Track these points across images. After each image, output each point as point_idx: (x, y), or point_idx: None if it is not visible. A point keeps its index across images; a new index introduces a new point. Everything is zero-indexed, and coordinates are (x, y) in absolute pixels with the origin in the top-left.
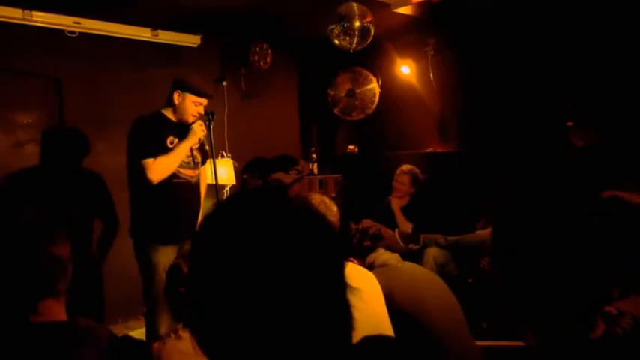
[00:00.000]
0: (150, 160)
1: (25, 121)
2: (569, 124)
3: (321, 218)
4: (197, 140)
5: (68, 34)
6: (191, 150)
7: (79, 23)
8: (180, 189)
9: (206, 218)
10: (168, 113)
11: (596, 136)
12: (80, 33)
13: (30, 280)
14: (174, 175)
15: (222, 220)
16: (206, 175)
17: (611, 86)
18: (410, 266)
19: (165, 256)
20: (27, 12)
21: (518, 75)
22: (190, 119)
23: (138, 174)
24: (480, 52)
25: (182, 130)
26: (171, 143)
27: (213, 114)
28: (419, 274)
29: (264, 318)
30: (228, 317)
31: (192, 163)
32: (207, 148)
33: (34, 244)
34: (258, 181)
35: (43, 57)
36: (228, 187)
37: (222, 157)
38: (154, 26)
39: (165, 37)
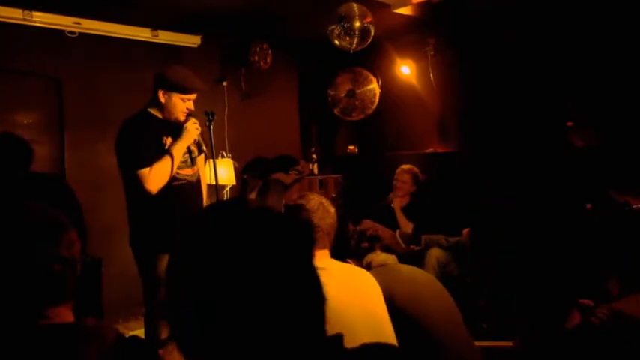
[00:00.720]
0: (145, 171)
1: (25, 121)
2: (569, 124)
3: (281, 218)
4: (192, 140)
5: (68, 35)
6: (188, 147)
7: (79, 23)
8: (181, 191)
9: (180, 233)
10: (156, 112)
11: (596, 136)
12: (80, 33)
13: (42, 289)
14: (173, 178)
15: (192, 236)
16: (205, 174)
17: (611, 86)
18: (408, 267)
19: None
20: (27, 12)
21: (518, 75)
22: (181, 117)
23: (134, 185)
24: (480, 52)
25: (174, 128)
26: (165, 144)
27: (213, 114)
28: (418, 275)
29: (237, 319)
30: (206, 324)
31: (189, 160)
32: (202, 144)
33: (45, 248)
34: (258, 182)
35: (43, 57)
36: (229, 187)
37: (223, 157)
38: (154, 26)
39: (165, 37)
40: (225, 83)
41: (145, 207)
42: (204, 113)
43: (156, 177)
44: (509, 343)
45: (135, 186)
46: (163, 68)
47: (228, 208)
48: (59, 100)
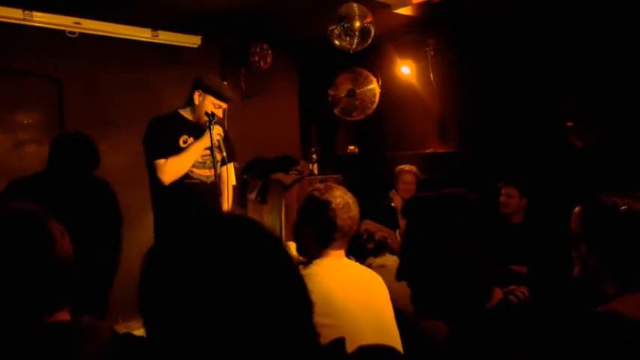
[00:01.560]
0: (162, 161)
1: (25, 121)
2: (569, 124)
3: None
4: (209, 143)
5: (68, 35)
6: (211, 149)
7: (79, 23)
8: (193, 189)
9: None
10: (186, 113)
11: (596, 136)
12: (80, 33)
13: (38, 292)
14: (186, 176)
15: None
16: (230, 176)
17: (611, 86)
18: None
19: None
20: (27, 12)
21: (519, 75)
22: (204, 118)
23: (152, 174)
24: (480, 52)
25: (198, 130)
26: (185, 142)
27: (214, 114)
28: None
29: (216, 329)
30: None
31: (208, 162)
32: (223, 151)
33: (40, 250)
34: (259, 182)
35: (43, 57)
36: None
37: None
38: (154, 26)
39: (166, 37)
40: (225, 83)
41: (161, 200)
42: (204, 114)
43: (170, 168)
44: None
45: (152, 176)
46: (202, 74)
47: (206, 220)
48: (59, 100)
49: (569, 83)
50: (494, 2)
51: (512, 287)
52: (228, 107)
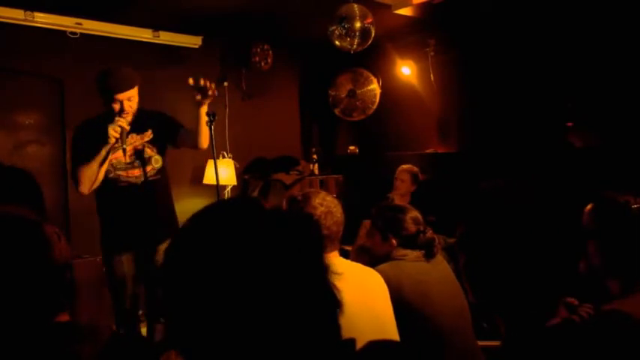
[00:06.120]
0: (75, 170)
1: (26, 122)
2: (569, 124)
3: (293, 218)
4: (112, 141)
5: (70, 35)
6: (143, 147)
7: (80, 24)
8: (125, 192)
9: (188, 221)
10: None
11: (596, 136)
12: (82, 34)
13: (39, 295)
14: (116, 179)
15: (201, 223)
16: (199, 140)
17: (611, 86)
18: (421, 265)
19: (120, 266)
20: (29, 13)
21: (519, 75)
22: (116, 118)
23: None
24: (481, 52)
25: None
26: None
27: (214, 114)
28: (431, 272)
29: (245, 319)
30: (208, 319)
31: (137, 161)
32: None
33: (38, 255)
34: (259, 182)
35: (44, 58)
36: (229, 187)
37: (223, 157)
38: (155, 27)
39: (167, 38)
40: (226, 84)
41: (99, 206)
42: (205, 114)
43: (79, 177)
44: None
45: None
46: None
47: (237, 206)
48: (60, 100)
49: (569, 83)
50: (495, 3)
51: (575, 302)
52: (230, 107)
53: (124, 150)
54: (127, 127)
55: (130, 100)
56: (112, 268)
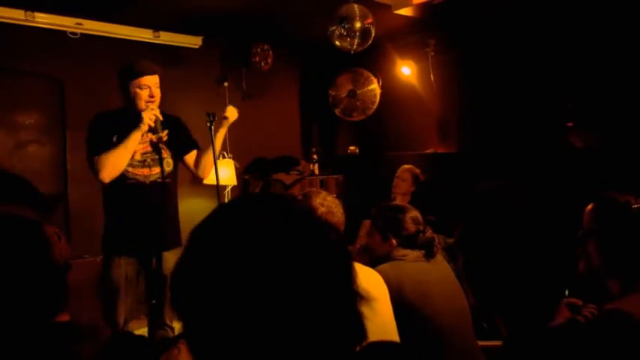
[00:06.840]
0: (96, 157)
1: (26, 122)
2: (570, 124)
3: (325, 224)
4: (146, 127)
5: (70, 35)
6: (152, 144)
7: (81, 24)
8: (133, 190)
9: (206, 220)
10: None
11: (596, 137)
12: (82, 34)
13: (39, 296)
14: (123, 176)
15: (222, 223)
16: (203, 166)
17: (611, 87)
18: (422, 265)
19: (117, 269)
20: (29, 13)
21: (519, 76)
22: (144, 106)
23: (93, 174)
24: (481, 53)
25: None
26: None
27: (214, 115)
28: (431, 272)
29: (264, 326)
30: (226, 323)
31: (149, 160)
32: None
33: (36, 256)
34: (260, 182)
35: (44, 58)
36: (229, 187)
37: (224, 157)
38: (156, 27)
39: (167, 38)
40: (226, 84)
41: (106, 203)
42: (205, 114)
43: (104, 163)
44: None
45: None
46: (122, 64)
47: (263, 202)
48: (61, 100)
49: (569, 83)
50: (495, 3)
51: (578, 302)
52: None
53: (160, 138)
54: (160, 117)
55: (156, 86)
56: (109, 269)
